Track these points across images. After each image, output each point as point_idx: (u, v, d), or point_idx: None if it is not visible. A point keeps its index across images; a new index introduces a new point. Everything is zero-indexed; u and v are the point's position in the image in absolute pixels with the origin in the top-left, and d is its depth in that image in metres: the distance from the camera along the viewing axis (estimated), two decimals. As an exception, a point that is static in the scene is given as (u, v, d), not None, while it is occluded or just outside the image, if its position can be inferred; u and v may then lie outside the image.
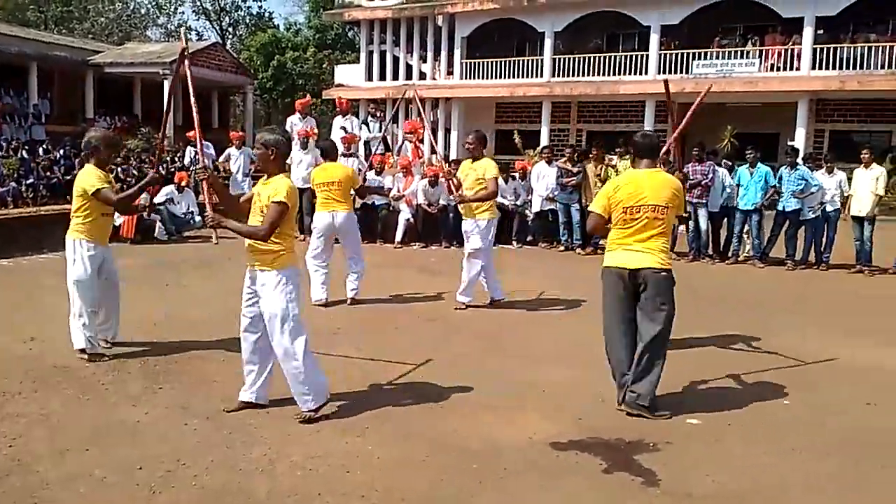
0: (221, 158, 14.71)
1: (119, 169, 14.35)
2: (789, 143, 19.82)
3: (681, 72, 22.13)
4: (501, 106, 26.43)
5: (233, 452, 4.01)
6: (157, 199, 12.06)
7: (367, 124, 15.05)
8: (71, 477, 3.69)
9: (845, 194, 10.62)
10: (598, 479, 3.82)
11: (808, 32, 20.59)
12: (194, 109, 4.98)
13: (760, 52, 21.67)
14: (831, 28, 20.78)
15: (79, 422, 4.40)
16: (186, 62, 5.17)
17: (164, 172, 13.81)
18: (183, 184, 13.21)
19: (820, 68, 20.52)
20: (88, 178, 5.56)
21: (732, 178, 11.10)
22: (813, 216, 10.57)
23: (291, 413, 4.49)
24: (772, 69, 21.36)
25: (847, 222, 10.60)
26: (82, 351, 5.60)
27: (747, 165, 10.84)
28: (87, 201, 5.56)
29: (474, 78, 25.35)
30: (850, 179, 10.66)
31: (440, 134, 26.01)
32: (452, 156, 21.85)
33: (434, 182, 12.25)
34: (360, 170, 12.43)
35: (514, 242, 12.18)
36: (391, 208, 12.54)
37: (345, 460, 3.94)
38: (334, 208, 7.48)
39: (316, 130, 13.01)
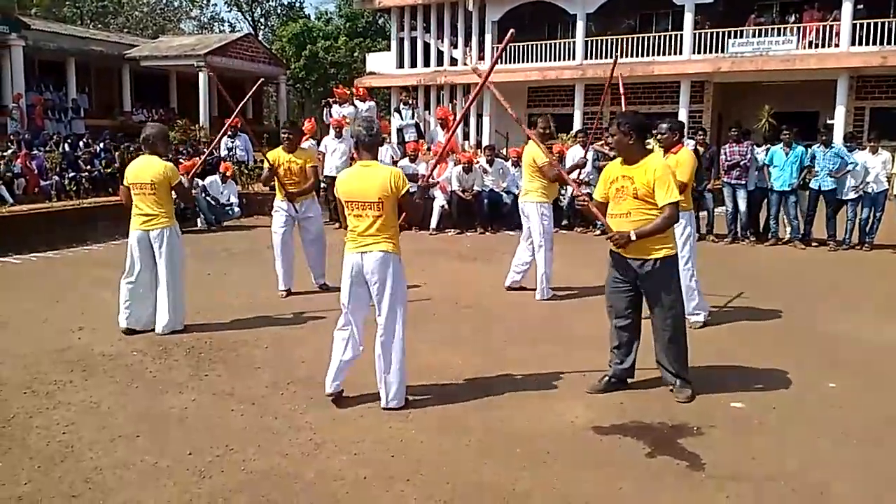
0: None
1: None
2: (828, 121, 19.42)
3: (716, 51, 21.78)
4: (533, 90, 26.23)
5: (279, 437, 4.08)
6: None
7: (399, 112, 15.05)
8: (122, 463, 3.78)
9: (890, 174, 10.40)
10: (642, 463, 3.81)
11: (846, 8, 20.08)
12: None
13: (798, 29, 21.22)
14: (871, 3, 20.26)
15: (128, 409, 4.51)
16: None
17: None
18: (228, 174, 13.40)
19: (860, 44, 20.02)
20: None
21: (765, 157, 10.85)
22: (855, 195, 10.36)
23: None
24: (810, 46, 20.88)
25: (892, 202, 10.39)
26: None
27: (782, 145, 10.60)
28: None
29: (506, 62, 25.18)
30: (894, 158, 10.43)
31: (472, 120, 25.94)
32: (485, 142, 21.78)
33: (468, 168, 12.24)
34: (393, 157, 12.49)
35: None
36: (426, 195, 12.56)
37: (389, 445, 3.98)
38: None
39: (349, 119, 13.06)
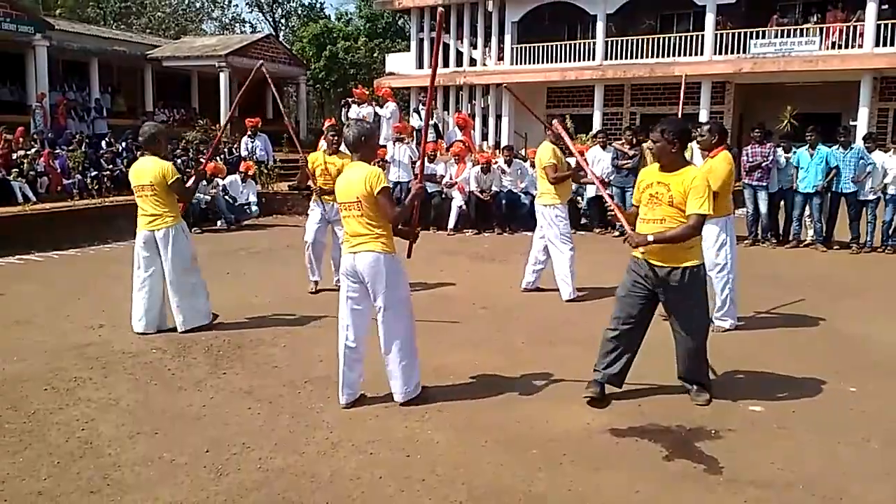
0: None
1: (179, 160, 14.71)
2: (852, 122, 19.18)
3: (738, 52, 21.59)
4: (553, 91, 26.15)
5: (295, 436, 4.10)
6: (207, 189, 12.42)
7: (418, 112, 15.08)
8: (141, 460, 3.81)
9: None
10: (658, 466, 3.78)
11: (870, 8, 19.84)
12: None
13: (821, 29, 21.00)
14: (896, 3, 20.04)
15: (147, 406, 4.55)
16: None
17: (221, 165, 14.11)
18: (250, 173, 13.52)
19: (884, 45, 19.77)
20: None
21: (791, 159, 10.75)
22: (874, 197, 10.24)
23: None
24: (833, 47, 20.65)
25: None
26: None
27: (807, 147, 10.50)
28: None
29: (525, 63, 25.12)
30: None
31: (491, 121, 25.89)
32: (503, 142, 21.74)
33: (486, 169, 12.23)
34: (412, 157, 12.53)
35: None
36: (444, 195, 12.57)
37: (405, 445, 3.99)
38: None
39: (369, 120, 13.13)
